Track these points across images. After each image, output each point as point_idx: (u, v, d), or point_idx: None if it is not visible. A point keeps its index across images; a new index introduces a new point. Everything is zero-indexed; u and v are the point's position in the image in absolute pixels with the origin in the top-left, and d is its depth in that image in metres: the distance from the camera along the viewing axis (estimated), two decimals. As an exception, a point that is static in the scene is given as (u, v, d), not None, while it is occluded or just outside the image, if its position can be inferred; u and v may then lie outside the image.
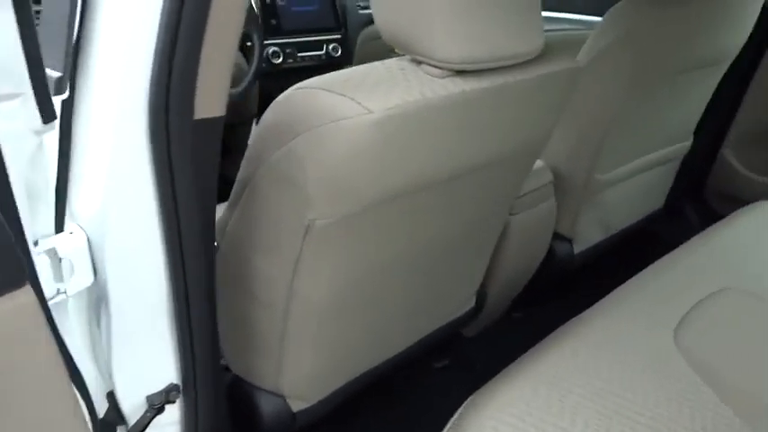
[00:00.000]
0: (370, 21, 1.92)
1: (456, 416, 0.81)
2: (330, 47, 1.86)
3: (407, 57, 0.75)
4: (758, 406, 0.86)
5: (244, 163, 0.77)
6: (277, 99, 0.72)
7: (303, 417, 0.98)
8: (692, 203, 1.80)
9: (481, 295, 1.27)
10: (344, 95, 0.67)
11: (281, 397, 0.95)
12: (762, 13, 1.37)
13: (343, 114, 0.66)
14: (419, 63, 0.73)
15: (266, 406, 0.95)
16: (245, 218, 0.78)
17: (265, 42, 1.67)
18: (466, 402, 0.82)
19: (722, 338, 0.98)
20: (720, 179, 1.75)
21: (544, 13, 0.81)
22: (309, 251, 0.76)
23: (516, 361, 0.90)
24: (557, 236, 1.40)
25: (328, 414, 1.03)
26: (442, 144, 0.75)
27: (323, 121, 0.66)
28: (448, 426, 0.80)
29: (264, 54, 1.68)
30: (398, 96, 0.67)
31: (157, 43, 0.53)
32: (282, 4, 1.77)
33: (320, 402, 0.99)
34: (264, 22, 1.71)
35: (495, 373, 0.86)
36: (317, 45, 1.84)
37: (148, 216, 0.61)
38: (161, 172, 0.58)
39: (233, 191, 0.81)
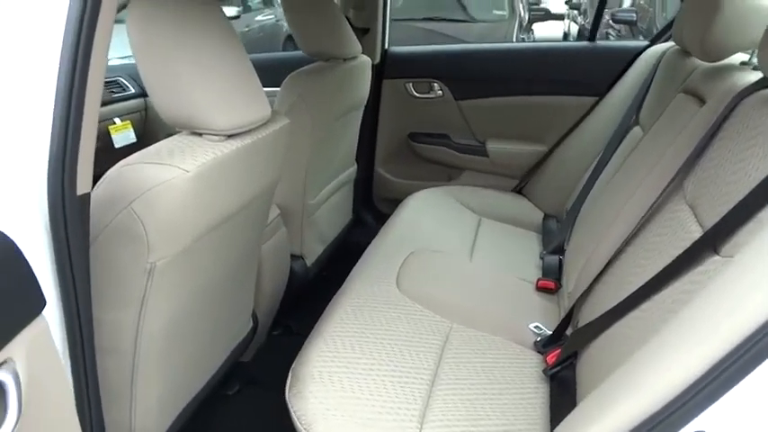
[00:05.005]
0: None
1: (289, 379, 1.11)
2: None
3: (186, 132, 1.03)
4: (454, 310, 1.37)
5: None
6: (107, 176, 0.91)
7: None
8: (367, 211, 2.39)
9: (254, 316, 1.54)
10: (163, 164, 0.91)
11: None
12: (372, 72, 2.01)
13: (168, 177, 0.90)
14: (200, 134, 1.01)
15: None
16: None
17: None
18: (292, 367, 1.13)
19: (425, 278, 1.49)
20: (381, 189, 2.39)
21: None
22: (153, 290, 0.96)
23: (313, 331, 1.24)
24: (293, 256, 1.77)
25: None
26: (233, 185, 1.04)
27: (154, 184, 0.89)
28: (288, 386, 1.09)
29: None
30: (201, 157, 0.95)
31: (53, 128, 0.70)
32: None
33: (167, 430, 1.14)
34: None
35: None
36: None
37: (47, 289, 0.74)
38: (59, 252, 0.74)
39: None
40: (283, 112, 1.60)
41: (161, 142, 0.99)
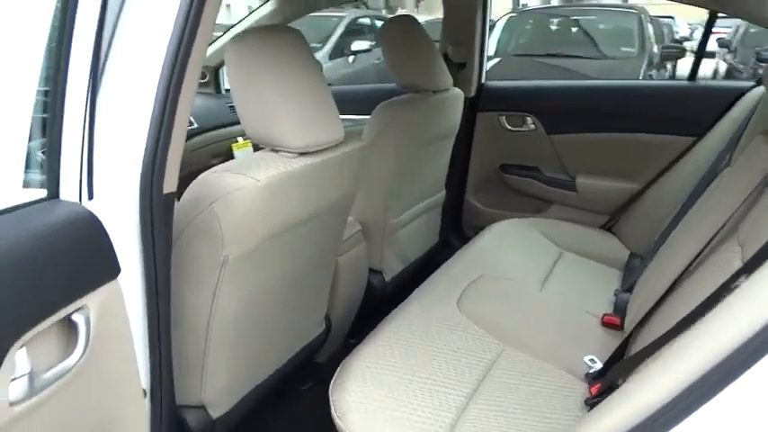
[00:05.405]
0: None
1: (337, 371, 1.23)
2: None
3: (268, 149, 1.20)
4: (509, 333, 1.42)
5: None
6: (196, 181, 1.11)
7: (220, 423, 1.28)
8: (455, 236, 2.47)
9: (328, 320, 1.69)
10: (241, 173, 1.09)
11: (203, 408, 1.25)
12: (464, 103, 2.11)
13: (243, 184, 1.07)
14: (277, 151, 1.18)
15: (192, 421, 1.24)
16: (175, 267, 1.12)
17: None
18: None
19: (487, 300, 1.55)
20: (470, 217, 2.46)
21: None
22: (225, 279, 1.13)
23: (368, 336, 1.35)
24: (371, 271, 1.90)
25: (237, 422, 1.34)
26: (298, 197, 1.20)
27: (232, 190, 1.07)
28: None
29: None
30: (273, 170, 1.12)
31: (148, 138, 0.89)
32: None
33: (233, 408, 1.30)
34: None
35: None
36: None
37: (133, 275, 0.93)
38: (145, 239, 0.92)
39: None
40: (371, 137, 1.76)
41: (245, 156, 1.17)
